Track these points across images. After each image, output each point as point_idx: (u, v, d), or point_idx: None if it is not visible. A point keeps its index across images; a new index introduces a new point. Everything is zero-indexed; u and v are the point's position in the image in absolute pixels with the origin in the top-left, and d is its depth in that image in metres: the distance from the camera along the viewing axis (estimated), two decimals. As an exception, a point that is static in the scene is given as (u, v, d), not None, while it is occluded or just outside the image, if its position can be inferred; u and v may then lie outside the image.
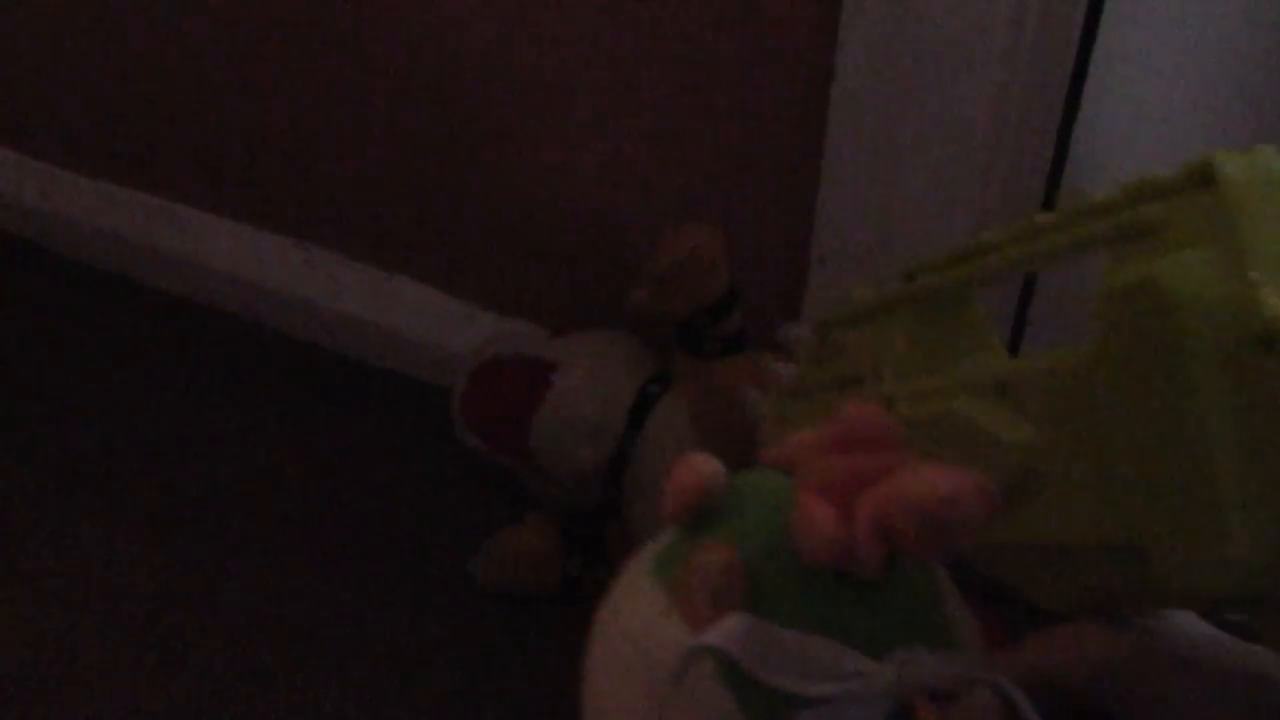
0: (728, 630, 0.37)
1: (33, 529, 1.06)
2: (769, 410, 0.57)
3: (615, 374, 0.97)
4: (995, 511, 0.36)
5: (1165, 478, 0.36)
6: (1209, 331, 0.34)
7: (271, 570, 1.02)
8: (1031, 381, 0.41)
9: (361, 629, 0.98)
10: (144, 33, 1.24)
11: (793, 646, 0.36)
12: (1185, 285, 0.34)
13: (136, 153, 1.32)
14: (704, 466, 0.41)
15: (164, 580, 1.02)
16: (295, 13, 1.13)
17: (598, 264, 1.09)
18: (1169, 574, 0.36)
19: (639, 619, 0.41)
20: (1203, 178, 0.38)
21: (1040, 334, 1.00)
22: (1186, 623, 0.42)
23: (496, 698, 0.94)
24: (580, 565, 1.00)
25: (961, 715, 0.35)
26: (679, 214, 1.01)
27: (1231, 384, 0.34)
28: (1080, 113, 0.91)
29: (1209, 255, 0.35)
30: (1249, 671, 0.40)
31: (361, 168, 1.18)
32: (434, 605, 1.00)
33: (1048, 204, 0.94)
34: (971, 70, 0.86)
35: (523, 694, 0.94)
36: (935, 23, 0.85)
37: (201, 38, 1.20)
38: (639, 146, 1.02)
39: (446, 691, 0.94)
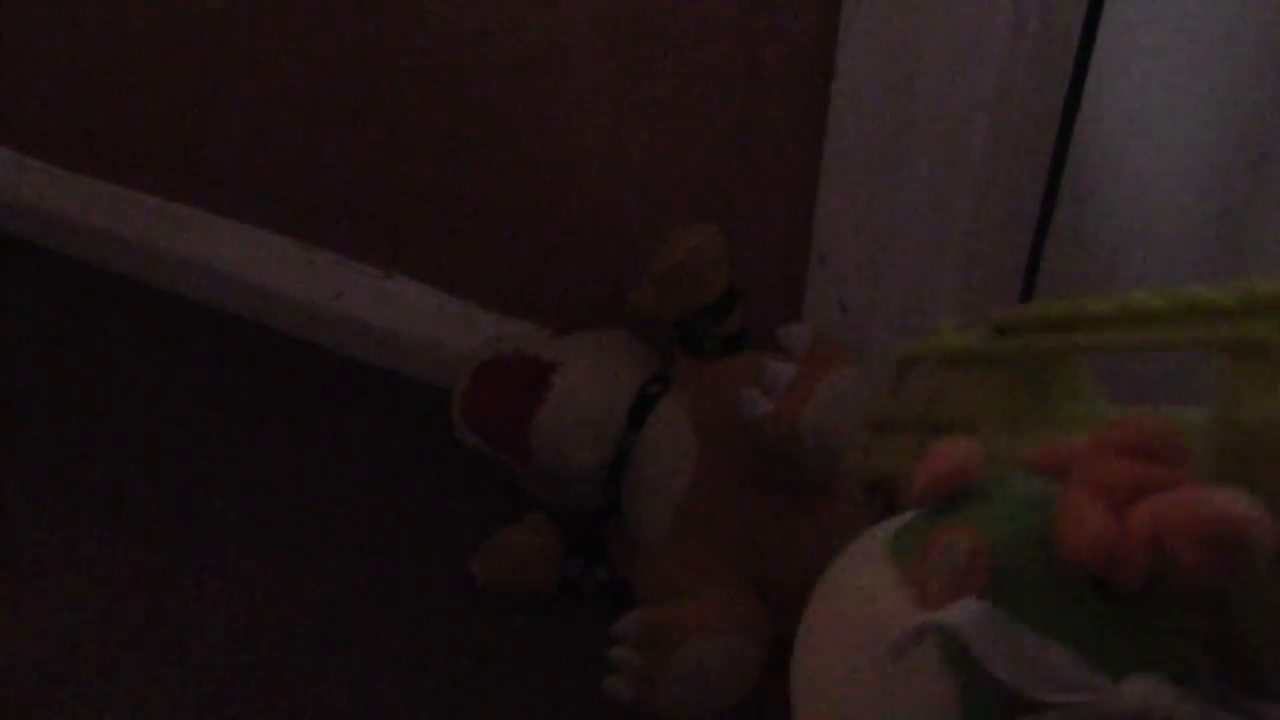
0: (966, 613, 0.35)
1: (33, 529, 1.06)
2: (856, 440, 0.56)
3: (615, 374, 0.97)
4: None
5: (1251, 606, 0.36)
6: None
7: (271, 569, 1.02)
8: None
9: (361, 629, 0.98)
10: (144, 33, 1.24)
11: (1029, 646, 0.35)
12: None
13: (136, 153, 1.32)
14: (965, 449, 0.40)
15: (164, 580, 1.02)
16: (295, 13, 1.13)
17: (598, 264, 1.09)
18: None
19: (870, 587, 0.40)
20: None
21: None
22: None
23: (496, 698, 0.94)
24: (580, 565, 1.00)
25: None
26: (679, 214, 1.01)
27: None
28: (1080, 113, 0.91)
29: None
30: None
31: (361, 168, 1.18)
32: (434, 605, 1.00)
33: (1048, 204, 0.94)
34: (971, 70, 0.86)
35: (523, 694, 0.94)
36: (935, 23, 0.85)
37: (202, 38, 1.20)
38: (639, 147, 1.02)
39: (446, 691, 0.94)
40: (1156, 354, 0.43)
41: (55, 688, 0.93)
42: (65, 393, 1.21)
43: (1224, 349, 0.40)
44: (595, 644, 0.90)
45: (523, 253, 1.13)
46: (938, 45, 0.85)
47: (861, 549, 0.41)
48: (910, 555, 0.39)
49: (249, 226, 1.28)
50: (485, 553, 1.01)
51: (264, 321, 1.29)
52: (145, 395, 1.21)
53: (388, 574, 1.03)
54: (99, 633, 0.97)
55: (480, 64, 1.06)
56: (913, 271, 0.94)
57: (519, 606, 1.00)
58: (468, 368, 1.03)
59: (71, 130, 1.35)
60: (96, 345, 1.27)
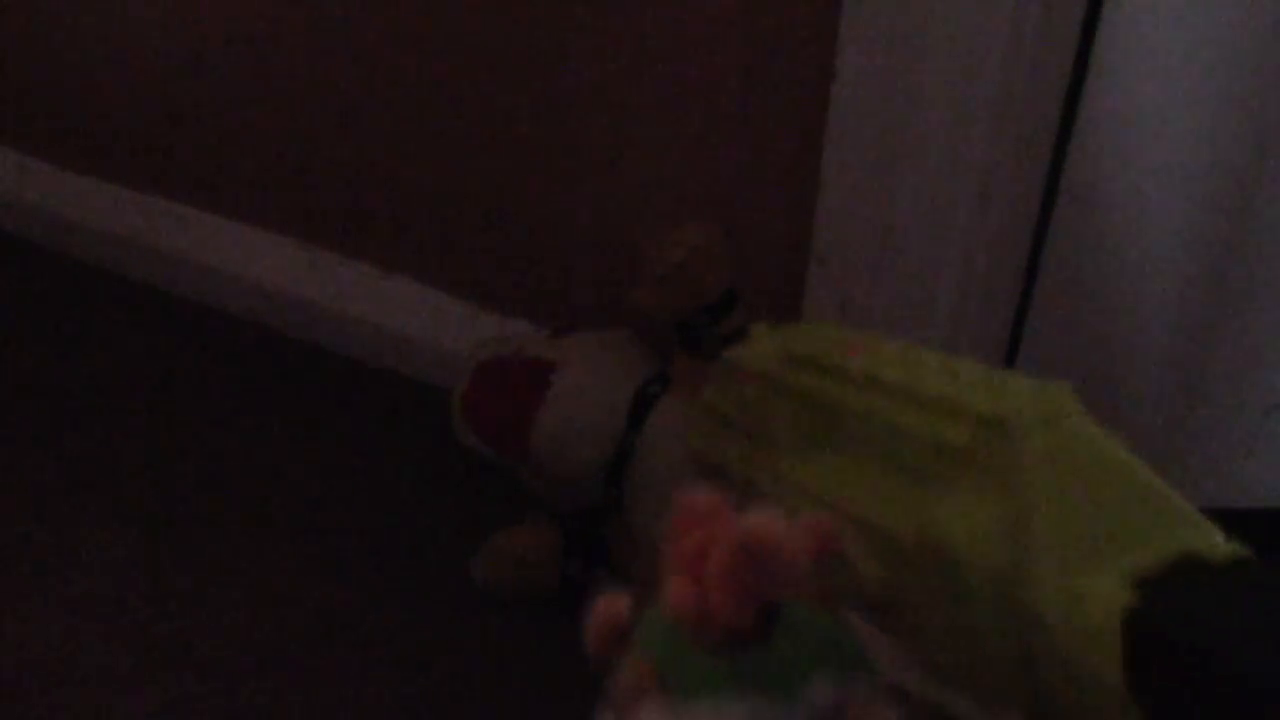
0: (645, 716, 0.41)
1: (33, 529, 1.06)
2: (694, 443, 0.61)
3: (615, 374, 0.97)
4: (828, 550, 0.40)
5: (962, 676, 0.41)
6: (989, 601, 0.39)
7: (271, 570, 1.02)
8: (870, 535, 0.45)
9: (361, 629, 0.98)
10: (144, 33, 1.24)
11: (705, 712, 0.40)
12: (969, 550, 0.39)
13: (137, 153, 1.32)
14: (609, 607, 0.46)
15: (164, 580, 1.02)
16: (296, 14, 1.13)
17: (598, 264, 1.09)
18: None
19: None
20: (991, 425, 0.42)
21: (1041, 335, 1.00)
22: None
23: (496, 698, 0.94)
24: (580, 565, 1.00)
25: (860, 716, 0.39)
26: (679, 214, 1.01)
27: (1009, 648, 0.38)
28: (1080, 113, 0.91)
29: (990, 516, 0.39)
30: None
31: (362, 168, 1.18)
32: (434, 605, 1.00)
33: (1047, 204, 0.94)
34: (971, 70, 0.86)
35: (523, 694, 0.94)
36: (935, 23, 0.85)
37: (202, 38, 1.20)
38: (639, 147, 1.02)
39: (446, 691, 0.94)
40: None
41: (55, 688, 0.93)
42: (65, 393, 1.21)
43: (919, 452, 0.44)
44: (595, 644, 0.89)
45: (523, 253, 1.13)
46: (938, 45, 0.86)
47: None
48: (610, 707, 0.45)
49: (249, 226, 1.28)
50: (485, 553, 1.01)
51: (264, 321, 1.29)
52: (145, 395, 1.21)
53: (388, 574, 1.03)
54: (99, 633, 0.97)
55: (481, 65, 1.06)
56: (913, 271, 0.94)
57: (519, 606, 1.00)
58: (468, 368, 1.03)
59: (71, 130, 1.35)
60: (96, 345, 1.27)
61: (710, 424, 0.60)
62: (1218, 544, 0.38)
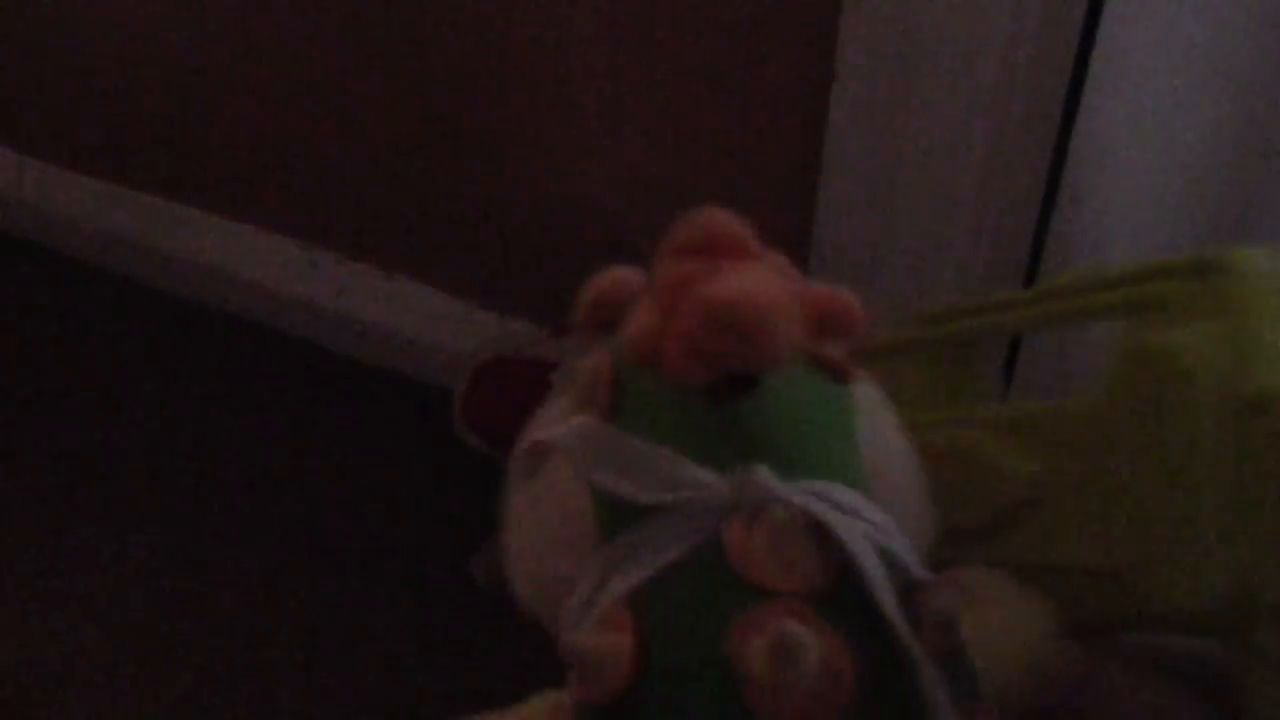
0: (570, 430, 0.38)
1: (33, 529, 1.06)
2: None
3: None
4: (843, 319, 0.36)
5: (1158, 512, 0.40)
6: (1212, 396, 0.39)
7: (271, 569, 1.02)
8: (1043, 421, 0.45)
9: (361, 629, 0.98)
10: (144, 33, 1.24)
11: (634, 453, 0.37)
12: (1195, 356, 0.39)
13: (136, 153, 1.32)
14: (611, 279, 0.42)
15: (164, 580, 1.02)
16: (296, 13, 1.13)
17: (598, 264, 1.09)
18: (1150, 597, 0.38)
19: (544, 412, 0.44)
20: (1208, 267, 0.44)
21: (1041, 335, 1.00)
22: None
23: (496, 698, 0.94)
24: (580, 565, 1.00)
25: (761, 537, 0.35)
26: (679, 214, 1.01)
27: (1225, 439, 0.38)
28: (1080, 113, 0.91)
29: (1213, 331, 0.40)
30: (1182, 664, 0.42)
31: (362, 168, 1.18)
32: (433, 605, 1.00)
33: (1047, 204, 0.94)
34: (971, 70, 0.86)
35: (523, 694, 0.94)
36: (935, 23, 0.85)
37: (202, 38, 1.20)
38: (639, 146, 1.02)
39: (446, 691, 0.94)
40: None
41: (55, 688, 0.93)
42: (65, 393, 1.21)
43: (1123, 311, 0.45)
44: (595, 644, 0.89)
45: (523, 253, 1.13)
46: (938, 45, 0.85)
47: (557, 390, 0.45)
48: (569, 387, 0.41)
49: (249, 226, 1.28)
50: (485, 553, 1.01)
51: (264, 321, 1.29)
52: (145, 395, 1.21)
53: (388, 574, 1.02)
54: (99, 633, 0.97)
55: (480, 63, 1.06)
56: (913, 271, 0.94)
57: (519, 607, 1.00)
58: (468, 368, 1.03)
59: (71, 130, 1.35)
60: (96, 345, 1.27)
61: None
62: None
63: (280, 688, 0.93)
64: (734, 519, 0.36)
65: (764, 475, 0.36)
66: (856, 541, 0.35)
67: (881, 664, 0.35)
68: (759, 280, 0.35)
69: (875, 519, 0.36)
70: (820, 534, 0.35)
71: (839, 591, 0.35)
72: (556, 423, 0.41)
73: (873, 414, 0.40)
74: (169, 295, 1.33)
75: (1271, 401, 0.37)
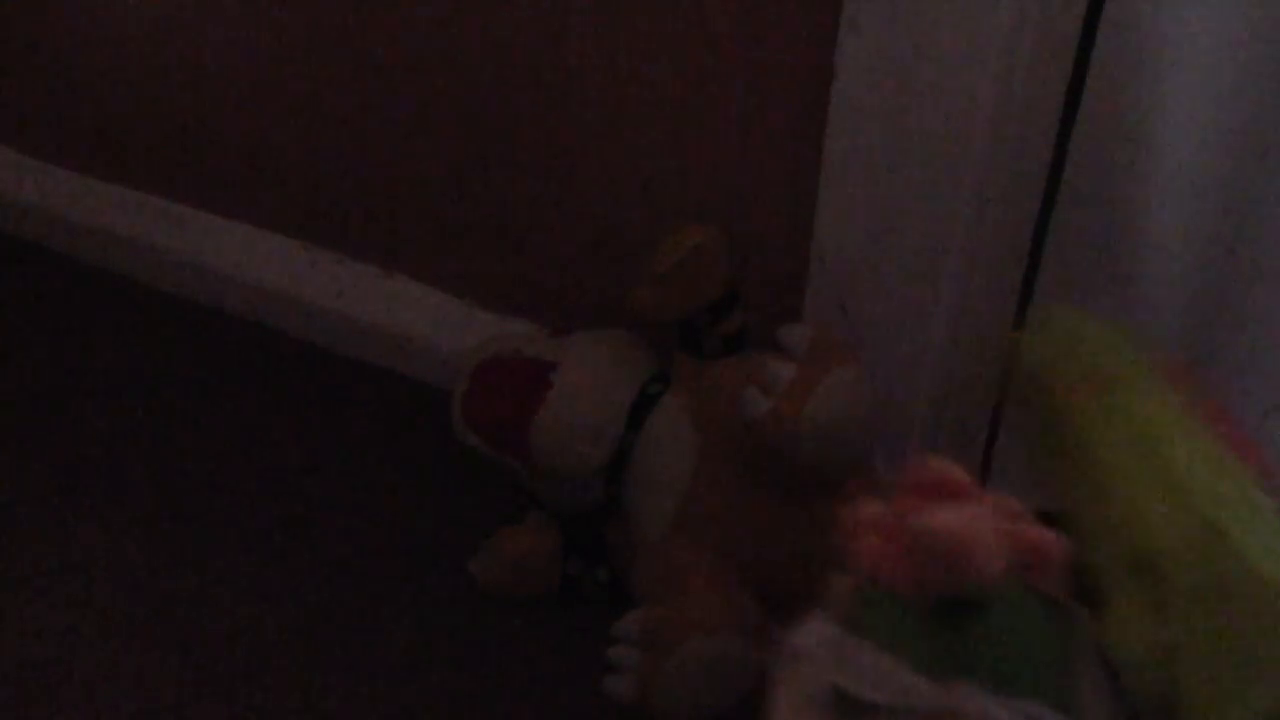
0: (810, 632, 0.43)
1: (33, 529, 1.06)
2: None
3: (615, 374, 0.97)
4: (1043, 553, 0.41)
5: None
6: (1148, 693, 0.42)
7: (272, 570, 1.02)
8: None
9: (361, 629, 0.98)
10: (144, 33, 1.24)
11: (863, 657, 0.42)
12: (1132, 661, 0.43)
13: (136, 153, 1.32)
14: (873, 512, 0.46)
15: (164, 580, 1.02)
16: (295, 13, 1.13)
17: (598, 264, 1.09)
18: None
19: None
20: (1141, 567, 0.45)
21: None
22: None
23: (496, 698, 0.94)
24: (580, 565, 1.00)
25: None
26: (679, 214, 1.01)
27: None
28: (1080, 113, 0.91)
29: (1153, 637, 0.43)
30: None
31: (362, 167, 1.18)
32: (434, 605, 1.00)
33: (1048, 204, 0.94)
34: (971, 70, 0.86)
35: (523, 694, 0.94)
36: (935, 23, 0.85)
37: (202, 38, 1.20)
38: (639, 146, 1.02)
39: (446, 691, 0.94)
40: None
41: (55, 688, 0.93)
42: (65, 392, 1.21)
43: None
44: (595, 644, 0.90)
45: (523, 253, 1.13)
46: (938, 45, 0.85)
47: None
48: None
49: (249, 226, 1.28)
50: (485, 553, 1.01)
51: (264, 321, 1.29)
52: (145, 395, 1.21)
53: (388, 574, 1.03)
54: (99, 633, 0.97)
55: (480, 65, 1.06)
56: (913, 271, 0.94)
57: (519, 606, 1.00)
58: (468, 368, 1.03)
59: (71, 130, 1.35)
60: (96, 345, 1.27)
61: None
62: None
63: (280, 687, 0.94)
64: None
65: (977, 691, 0.41)
66: None
67: None
68: (963, 514, 0.41)
69: None
70: None
71: None
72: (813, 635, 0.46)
73: (1085, 643, 0.45)
74: (169, 295, 1.34)
75: None
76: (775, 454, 0.85)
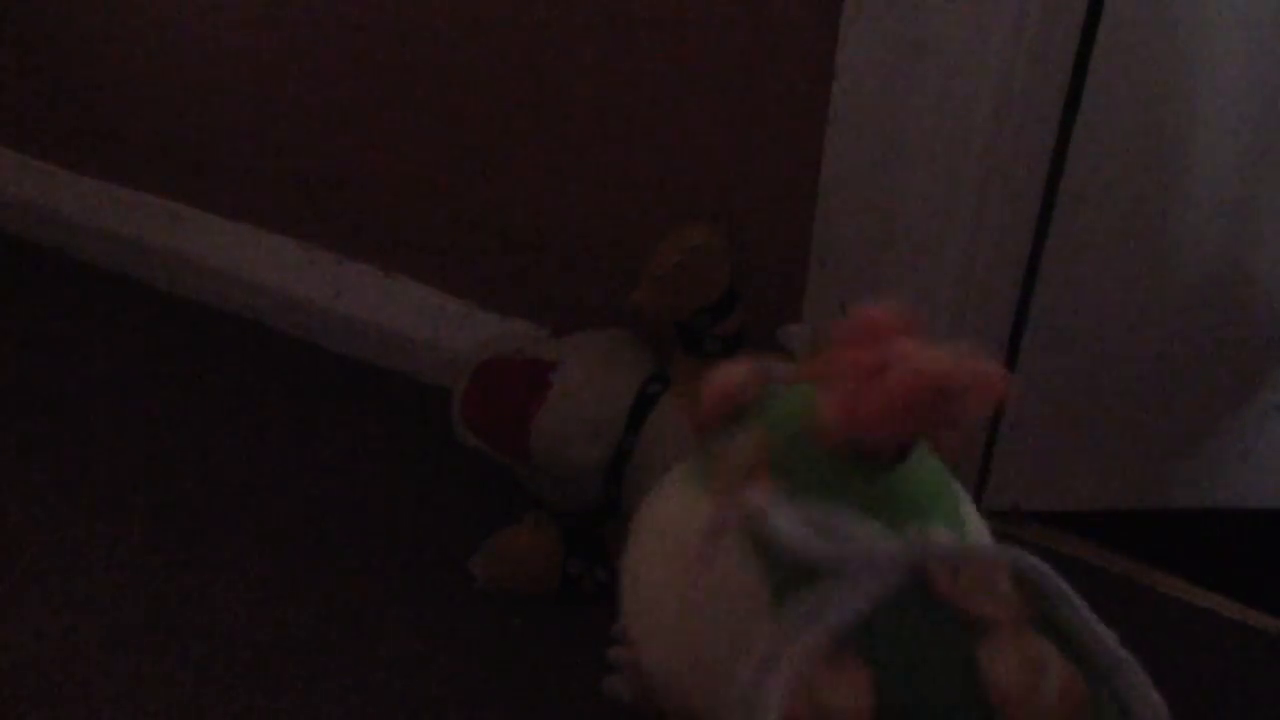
0: (754, 497, 0.40)
1: (33, 529, 1.06)
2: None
3: (615, 374, 0.97)
4: (998, 390, 0.39)
5: None
6: None
7: (271, 569, 1.02)
8: None
9: (361, 629, 0.98)
10: (144, 33, 1.24)
11: (816, 515, 0.39)
12: None
13: (136, 153, 1.32)
14: (735, 373, 0.45)
15: (164, 580, 1.02)
16: (294, 14, 1.13)
17: (598, 264, 1.09)
18: None
19: (672, 510, 0.45)
20: None
21: (1041, 335, 1.00)
22: None
23: (496, 698, 0.94)
24: (580, 565, 1.00)
25: (973, 576, 0.38)
26: (679, 214, 1.01)
27: None
28: (1080, 113, 0.91)
29: None
30: None
31: (362, 168, 1.18)
32: (434, 605, 1.00)
33: (1048, 203, 0.94)
34: (971, 70, 0.86)
35: (523, 694, 0.94)
36: (935, 23, 0.85)
37: (201, 39, 1.20)
38: (639, 146, 1.02)
39: (446, 691, 0.94)
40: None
41: (55, 688, 0.93)
42: (65, 393, 1.21)
43: None
44: (595, 644, 0.89)
45: (523, 253, 1.13)
46: (938, 45, 0.86)
47: (663, 485, 0.46)
48: (706, 472, 0.43)
49: (249, 226, 1.28)
50: (485, 553, 1.01)
51: (264, 321, 1.29)
52: (145, 395, 1.21)
53: (388, 574, 1.03)
54: (99, 633, 0.97)
55: (480, 65, 1.06)
56: (913, 271, 0.94)
57: (519, 606, 1.00)
58: (468, 368, 1.03)
59: (71, 130, 1.35)
60: (96, 345, 1.27)
61: None
62: None
63: (279, 687, 0.94)
64: (938, 567, 0.39)
65: (943, 534, 0.40)
66: (1057, 578, 0.39)
67: (1096, 675, 0.39)
68: (950, 358, 0.40)
69: (1025, 561, 0.40)
70: (1014, 572, 0.39)
71: (1044, 620, 0.39)
72: (689, 501, 0.44)
73: (959, 486, 0.44)
74: (169, 295, 1.34)
75: None
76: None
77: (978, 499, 1.06)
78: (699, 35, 0.95)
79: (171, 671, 0.94)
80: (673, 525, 0.44)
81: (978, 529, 0.43)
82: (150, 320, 1.31)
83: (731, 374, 0.45)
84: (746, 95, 0.95)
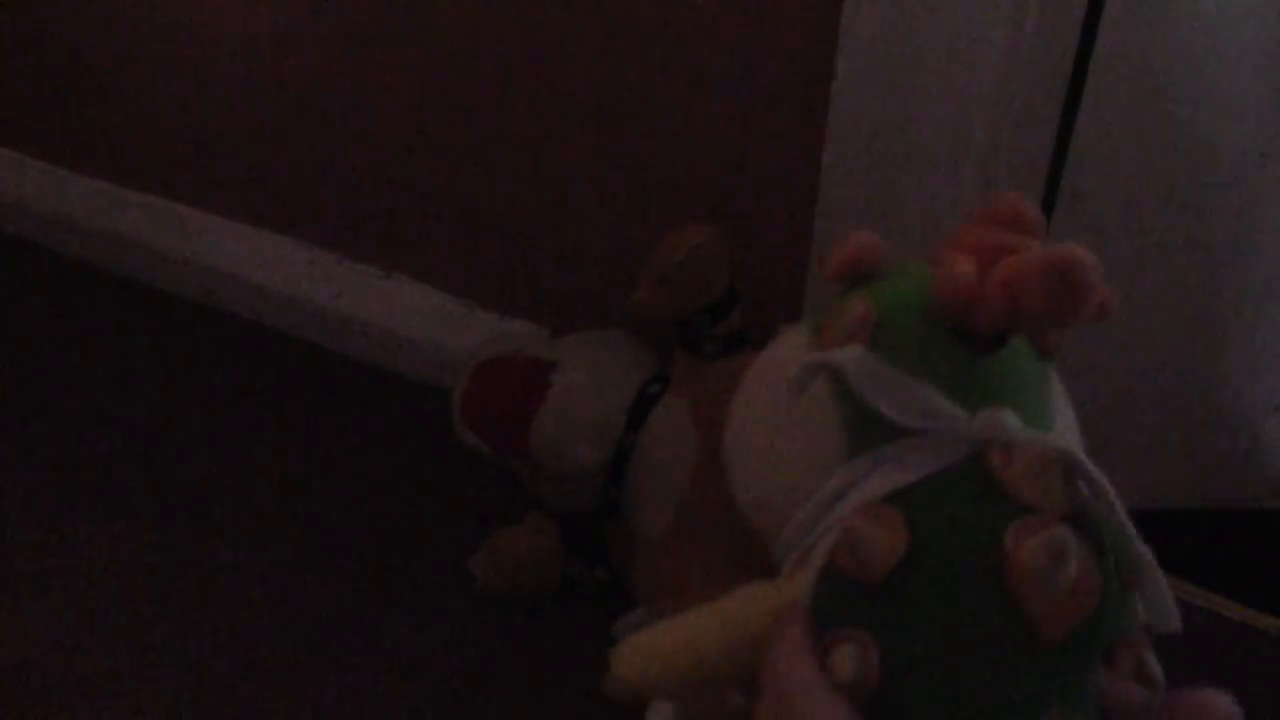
0: (845, 354, 0.43)
1: (33, 529, 1.06)
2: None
3: (615, 374, 0.97)
4: (1112, 307, 0.42)
5: None
6: None
7: (271, 569, 1.02)
8: None
9: (361, 628, 0.98)
10: (143, 33, 1.24)
11: (898, 383, 0.43)
12: None
13: (137, 153, 1.32)
14: (865, 238, 0.48)
15: (164, 580, 1.02)
16: (294, 14, 1.13)
17: (598, 264, 1.09)
18: None
19: (777, 354, 0.49)
20: None
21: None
22: None
23: (496, 698, 0.94)
24: (580, 565, 1.00)
25: (1025, 463, 0.41)
26: (679, 214, 1.01)
27: None
28: (1080, 113, 0.91)
29: None
30: None
31: (362, 168, 1.18)
32: (434, 605, 1.00)
33: (1048, 203, 0.94)
34: (971, 70, 0.86)
35: (523, 694, 0.94)
36: (935, 23, 0.85)
37: (201, 38, 1.20)
38: (639, 146, 1.02)
39: (446, 691, 0.94)
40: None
41: (55, 688, 0.93)
42: (65, 393, 1.21)
43: None
44: (595, 644, 0.89)
45: (523, 253, 1.13)
46: (938, 45, 0.86)
47: (782, 333, 0.50)
48: (819, 324, 0.47)
49: (250, 226, 1.28)
50: (485, 553, 1.01)
51: (264, 321, 1.29)
52: (145, 395, 1.21)
53: (388, 574, 1.03)
54: (99, 633, 0.97)
55: (479, 65, 1.06)
56: (913, 271, 0.94)
57: (519, 606, 1.00)
58: (468, 368, 1.03)
59: (71, 130, 1.35)
60: (96, 345, 1.27)
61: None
62: None
63: (279, 687, 0.94)
64: (995, 448, 0.42)
65: (1011, 419, 0.42)
66: (1100, 478, 0.42)
67: (1114, 575, 0.42)
68: (1088, 254, 0.41)
69: (1081, 462, 0.43)
70: (1065, 468, 0.42)
71: (1080, 516, 0.41)
72: (799, 350, 0.47)
73: (1058, 387, 0.47)
74: (169, 295, 1.34)
75: None
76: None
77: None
78: (699, 35, 0.95)
79: (171, 671, 0.94)
80: (774, 365, 0.48)
81: (1064, 426, 0.45)
82: (150, 320, 1.31)
83: (860, 240, 0.47)
84: (746, 95, 0.95)
